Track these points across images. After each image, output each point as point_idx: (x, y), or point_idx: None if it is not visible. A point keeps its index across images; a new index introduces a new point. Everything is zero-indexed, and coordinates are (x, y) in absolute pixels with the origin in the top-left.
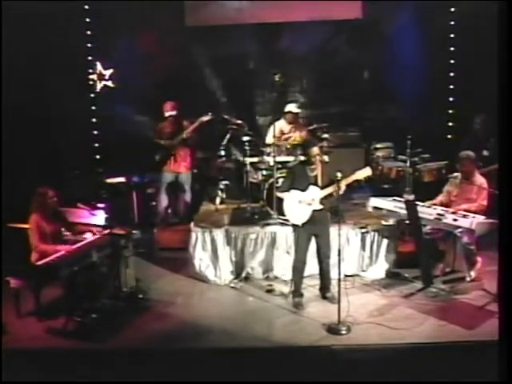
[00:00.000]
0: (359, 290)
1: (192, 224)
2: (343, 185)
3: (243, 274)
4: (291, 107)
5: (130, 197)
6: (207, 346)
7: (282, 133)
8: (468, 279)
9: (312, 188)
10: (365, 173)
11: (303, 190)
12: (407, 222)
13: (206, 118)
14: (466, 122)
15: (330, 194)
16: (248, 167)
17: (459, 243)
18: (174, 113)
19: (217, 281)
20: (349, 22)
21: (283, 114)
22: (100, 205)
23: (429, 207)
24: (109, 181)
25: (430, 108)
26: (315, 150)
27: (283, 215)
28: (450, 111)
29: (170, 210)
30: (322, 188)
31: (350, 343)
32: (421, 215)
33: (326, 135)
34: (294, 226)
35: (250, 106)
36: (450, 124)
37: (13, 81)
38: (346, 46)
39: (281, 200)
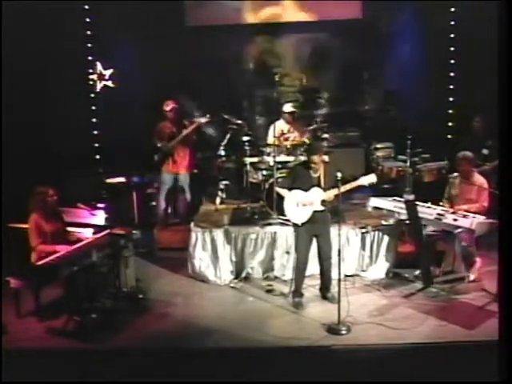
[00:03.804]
0: (359, 290)
1: (192, 224)
2: (346, 189)
3: (243, 274)
4: (287, 107)
5: (130, 197)
6: (207, 346)
7: (282, 133)
8: (468, 279)
9: (315, 189)
10: (369, 179)
11: (306, 190)
12: (407, 221)
13: (203, 120)
14: (466, 122)
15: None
16: (248, 167)
17: (459, 243)
18: (174, 105)
19: (217, 281)
20: (349, 21)
21: (282, 114)
22: (100, 205)
23: (429, 207)
24: (109, 181)
25: (430, 108)
26: (316, 158)
27: (283, 215)
28: (450, 111)
29: (169, 210)
30: (325, 190)
31: (349, 343)
32: (421, 215)
33: (326, 135)
34: (295, 226)
35: (250, 106)
36: (450, 124)
37: (13, 81)
38: (345, 46)
39: (281, 199)
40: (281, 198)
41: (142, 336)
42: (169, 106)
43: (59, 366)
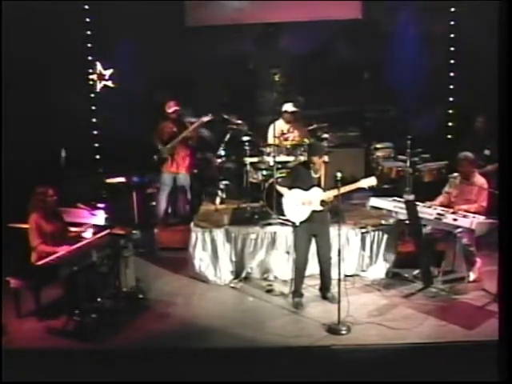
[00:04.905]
0: (359, 290)
1: (192, 224)
2: (346, 190)
3: (243, 274)
4: (287, 106)
5: (130, 197)
6: (207, 346)
7: (282, 132)
8: (468, 279)
9: (315, 189)
10: (369, 182)
11: (306, 190)
12: (407, 221)
13: (206, 119)
14: (466, 122)
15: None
16: (248, 167)
17: (459, 243)
18: (176, 108)
19: (217, 281)
20: (349, 21)
21: (281, 114)
22: (100, 205)
23: (429, 207)
24: (109, 181)
25: (430, 108)
26: (316, 159)
27: (283, 215)
28: (450, 111)
29: (169, 210)
30: (325, 190)
31: (349, 343)
32: (421, 215)
33: (326, 135)
34: (294, 226)
35: (250, 106)
36: (450, 124)
37: (13, 81)
38: (345, 46)
39: (281, 198)
40: (281, 196)
41: (142, 336)
42: (171, 109)
43: (59, 366)
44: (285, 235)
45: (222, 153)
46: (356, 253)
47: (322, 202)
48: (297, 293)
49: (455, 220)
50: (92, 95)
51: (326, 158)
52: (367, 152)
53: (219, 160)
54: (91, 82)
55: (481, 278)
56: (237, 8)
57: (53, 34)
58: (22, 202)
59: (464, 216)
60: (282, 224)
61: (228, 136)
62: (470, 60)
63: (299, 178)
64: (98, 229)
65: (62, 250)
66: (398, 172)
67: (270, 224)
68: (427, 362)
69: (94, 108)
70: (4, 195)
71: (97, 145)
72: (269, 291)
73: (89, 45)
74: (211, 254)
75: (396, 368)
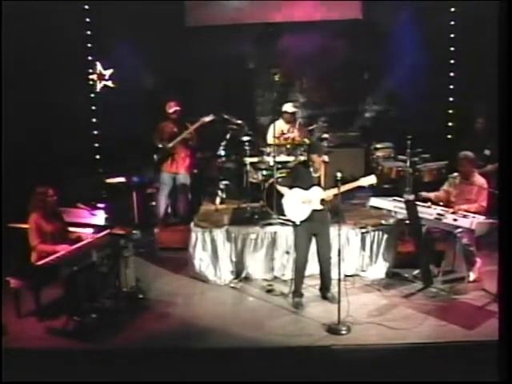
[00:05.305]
0: (359, 290)
1: (192, 224)
2: (345, 189)
3: (243, 274)
4: (287, 107)
5: (130, 197)
6: (207, 346)
7: (282, 132)
8: (468, 279)
9: (314, 188)
10: (369, 181)
11: (306, 189)
12: (407, 221)
13: (207, 119)
14: (466, 122)
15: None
16: (248, 167)
17: (459, 243)
18: (177, 108)
19: (217, 281)
20: (349, 21)
21: (281, 114)
22: (100, 205)
23: (429, 207)
24: (109, 181)
25: (430, 108)
26: (315, 157)
27: (283, 215)
28: (450, 111)
29: (169, 210)
30: (325, 189)
31: (349, 343)
32: (421, 215)
33: (326, 135)
34: (294, 225)
35: (250, 106)
36: (450, 124)
37: (13, 81)
38: (345, 46)
39: (281, 198)
40: (281, 196)
41: (142, 336)
42: (171, 109)
43: (59, 366)
44: (285, 235)
45: (222, 153)
46: (356, 253)
47: (322, 201)
48: (297, 293)
49: (455, 220)
50: (92, 95)
51: (326, 158)
52: (367, 152)
53: (219, 160)
54: (91, 82)
55: (481, 278)
56: (237, 8)
57: (53, 33)
58: (22, 202)
59: (464, 216)
60: (282, 224)
61: (228, 136)
62: (470, 60)
63: (299, 177)
64: (98, 229)
65: (62, 250)
66: (398, 172)
67: (270, 224)
68: (427, 361)
69: (94, 108)
70: (4, 195)
71: (97, 145)
72: (269, 291)
73: (89, 45)
74: (211, 254)
75: (396, 368)
